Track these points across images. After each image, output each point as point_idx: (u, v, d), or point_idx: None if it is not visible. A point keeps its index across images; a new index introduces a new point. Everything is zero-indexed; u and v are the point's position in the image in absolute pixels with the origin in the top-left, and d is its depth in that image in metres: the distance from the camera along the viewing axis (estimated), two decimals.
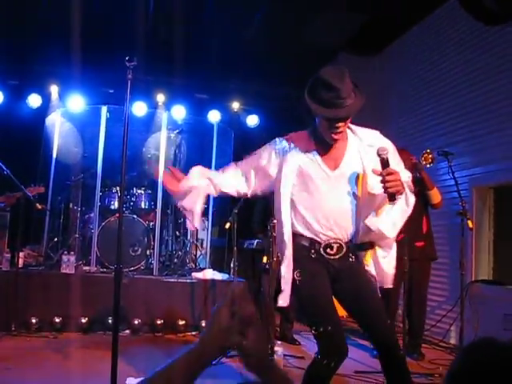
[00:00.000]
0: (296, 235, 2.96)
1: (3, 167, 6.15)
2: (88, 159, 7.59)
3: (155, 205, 7.37)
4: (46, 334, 5.91)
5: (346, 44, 8.45)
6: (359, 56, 8.81)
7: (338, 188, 2.96)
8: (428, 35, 7.54)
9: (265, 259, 5.42)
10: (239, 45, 8.21)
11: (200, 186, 3.03)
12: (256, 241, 6.74)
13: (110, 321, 6.10)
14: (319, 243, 2.94)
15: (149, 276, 6.84)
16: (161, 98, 8.81)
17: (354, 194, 2.97)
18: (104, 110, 7.26)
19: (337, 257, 2.95)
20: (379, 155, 2.82)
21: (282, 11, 7.51)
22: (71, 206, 7.48)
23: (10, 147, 6.58)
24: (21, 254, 6.60)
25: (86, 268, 6.85)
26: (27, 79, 8.94)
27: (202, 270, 7.22)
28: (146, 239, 7.12)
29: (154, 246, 7.13)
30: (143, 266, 7.07)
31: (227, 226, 5.75)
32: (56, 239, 7.54)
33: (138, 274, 6.85)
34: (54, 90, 8.82)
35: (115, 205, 7.48)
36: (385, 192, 2.79)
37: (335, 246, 2.94)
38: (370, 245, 3.04)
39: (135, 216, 7.23)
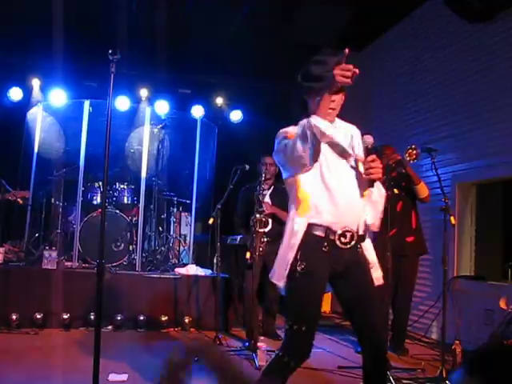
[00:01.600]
0: (310, 225, 2.92)
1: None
2: (70, 154, 7.52)
3: (138, 200, 7.33)
4: (27, 331, 5.85)
5: (331, 40, 8.44)
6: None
7: (343, 173, 2.99)
8: (412, 32, 7.57)
9: (248, 255, 5.41)
10: (223, 39, 8.16)
11: None
12: (239, 236, 6.73)
13: (91, 317, 6.06)
14: (334, 232, 2.90)
15: (131, 272, 6.80)
16: (144, 92, 8.75)
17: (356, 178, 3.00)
18: (87, 104, 7.18)
19: (348, 246, 2.92)
20: (364, 142, 2.91)
21: (267, 6, 7.48)
22: (53, 200, 7.41)
23: None
24: (1, 250, 6.54)
25: (68, 264, 6.79)
26: (8, 72, 8.81)
27: (185, 265, 7.20)
28: (128, 234, 7.08)
29: (136, 241, 7.09)
30: (126, 262, 7.03)
31: (211, 221, 5.72)
32: (37, 235, 7.46)
33: (121, 269, 6.81)
34: (35, 83, 8.71)
35: (97, 200, 7.44)
36: (366, 178, 2.86)
37: (348, 234, 2.91)
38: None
39: (118, 211, 7.19)
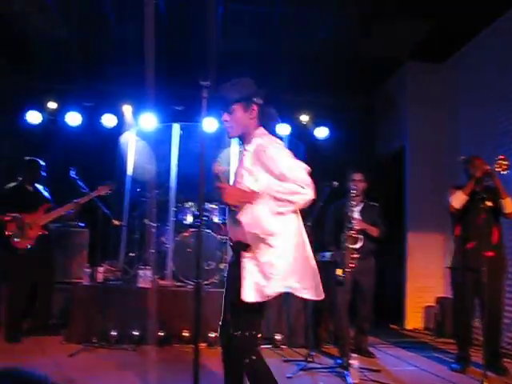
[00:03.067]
0: None
1: (83, 186, 6.38)
2: (162, 176, 7.76)
3: None
4: (125, 347, 6.07)
5: (412, 52, 8.37)
6: (426, 64, 8.70)
7: None
8: (498, 39, 7.34)
9: (339, 271, 5.39)
10: (306, 57, 8.24)
11: None
12: (328, 253, 6.70)
13: (185, 334, 6.20)
14: None
15: (223, 289, 6.88)
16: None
17: None
18: (176, 127, 7.42)
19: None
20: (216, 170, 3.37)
21: (346, 22, 7.51)
22: (146, 221, 7.66)
23: (87, 166, 6.80)
24: (100, 269, 6.82)
25: (162, 282, 6.99)
26: (102, 100, 9.22)
27: None
28: (219, 253, 7.21)
29: (227, 259, 7.21)
30: (217, 280, 7.14)
31: None
32: (133, 254, 7.73)
33: (213, 287, 6.93)
34: (127, 109, 9.05)
35: (189, 220, 7.62)
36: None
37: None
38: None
39: (209, 230, 7.34)
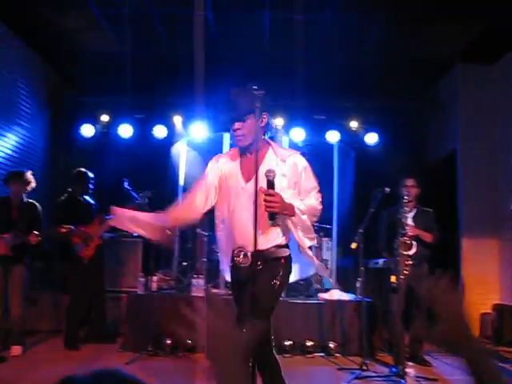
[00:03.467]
0: None
1: (136, 197, 6.50)
2: None
3: None
4: (180, 355, 6.14)
5: (463, 53, 8.24)
6: (477, 65, 8.55)
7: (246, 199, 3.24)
8: None
9: (393, 278, 5.33)
10: (354, 62, 8.22)
11: None
12: (381, 260, 6.65)
13: None
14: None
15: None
16: (280, 121, 8.93)
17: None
18: (227, 136, 7.49)
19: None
20: (266, 176, 3.09)
21: (396, 24, 7.45)
22: (198, 230, 7.73)
23: (139, 178, 6.92)
24: (154, 278, 6.92)
25: (215, 291, 7.04)
26: (152, 112, 9.37)
27: (327, 290, 7.21)
28: None
29: None
30: None
31: (354, 246, 5.69)
32: (186, 263, 7.81)
33: None
34: (177, 120, 9.17)
35: None
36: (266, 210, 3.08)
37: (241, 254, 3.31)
38: None
39: None
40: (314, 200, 3.37)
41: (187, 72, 7.57)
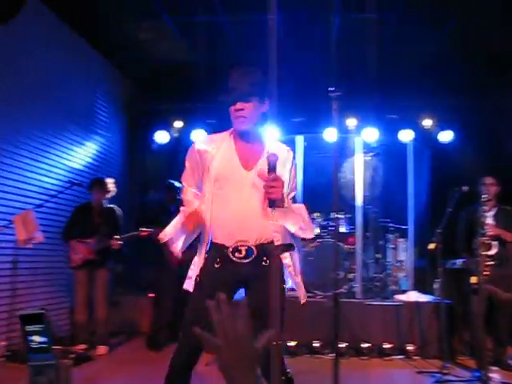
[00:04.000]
0: None
1: None
2: None
3: (355, 228, 7.44)
4: None
5: None
6: None
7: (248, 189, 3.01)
8: None
9: (474, 279, 5.20)
10: (427, 60, 8.07)
11: None
12: (459, 260, 6.50)
13: (315, 344, 6.24)
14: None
15: (352, 299, 6.88)
16: (352, 122, 8.85)
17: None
18: (300, 139, 7.52)
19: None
20: (267, 159, 2.81)
21: (468, 20, 7.26)
22: None
23: None
24: None
25: (291, 293, 7.04)
26: (224, 116, 9.43)
27: (404, 292, 7.11)
28: (347, 263, 7.18)
29: (355, 269, 7.18)
30: (345, 290, 7.11)
31: (432, 246, 5.59)
32: None
33: (341, 297, 6.92)
34: None
35: (316, 230, 7.66)
36: (266, 196, 2.81)
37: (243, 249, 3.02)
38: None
39: (336, 240, 7.34)
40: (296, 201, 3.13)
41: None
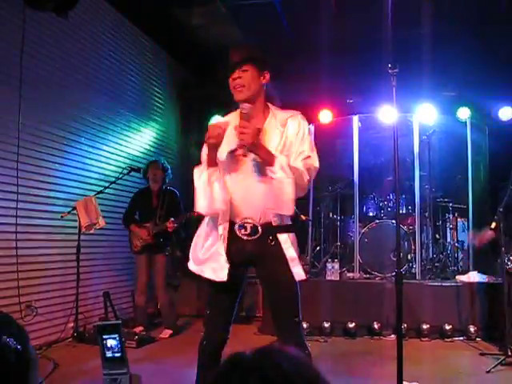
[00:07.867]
0: None
1: None
2: (343, 169, 7.84)
3: (413, 209, 7.35)
4: (317, 338, 6.22)
5: None
6: None
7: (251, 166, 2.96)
8: None
9: None
10: (483, 34, 7.86)
11: None
12: None
13: (375, 326, 6.24)
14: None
15: (412, 280, 6.81)
16: (407, 102, 8.68)
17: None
18: (355, 119, 7.45)
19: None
20: (240, 109, 2.94)
21: None
22: (331, 215, 7.76)
23: None
24: None
25: (350, 274, 7.06)
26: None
27: (465, 272, 7.00)
28: (406, 244, 7.11)
29: (414, 250, 7.10)
30: (405, 271, 7.06)
31: (493, 225, 5.45)
32: (319, 248, 7.88)
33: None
34: None
35: (373, 211, 7.61)
36: (239, 144, 2.86)
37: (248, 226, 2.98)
38: None
39: (394, 221, 7.27)
40: (299, 162, 2.93)
41: (312, 59, 7.61)
